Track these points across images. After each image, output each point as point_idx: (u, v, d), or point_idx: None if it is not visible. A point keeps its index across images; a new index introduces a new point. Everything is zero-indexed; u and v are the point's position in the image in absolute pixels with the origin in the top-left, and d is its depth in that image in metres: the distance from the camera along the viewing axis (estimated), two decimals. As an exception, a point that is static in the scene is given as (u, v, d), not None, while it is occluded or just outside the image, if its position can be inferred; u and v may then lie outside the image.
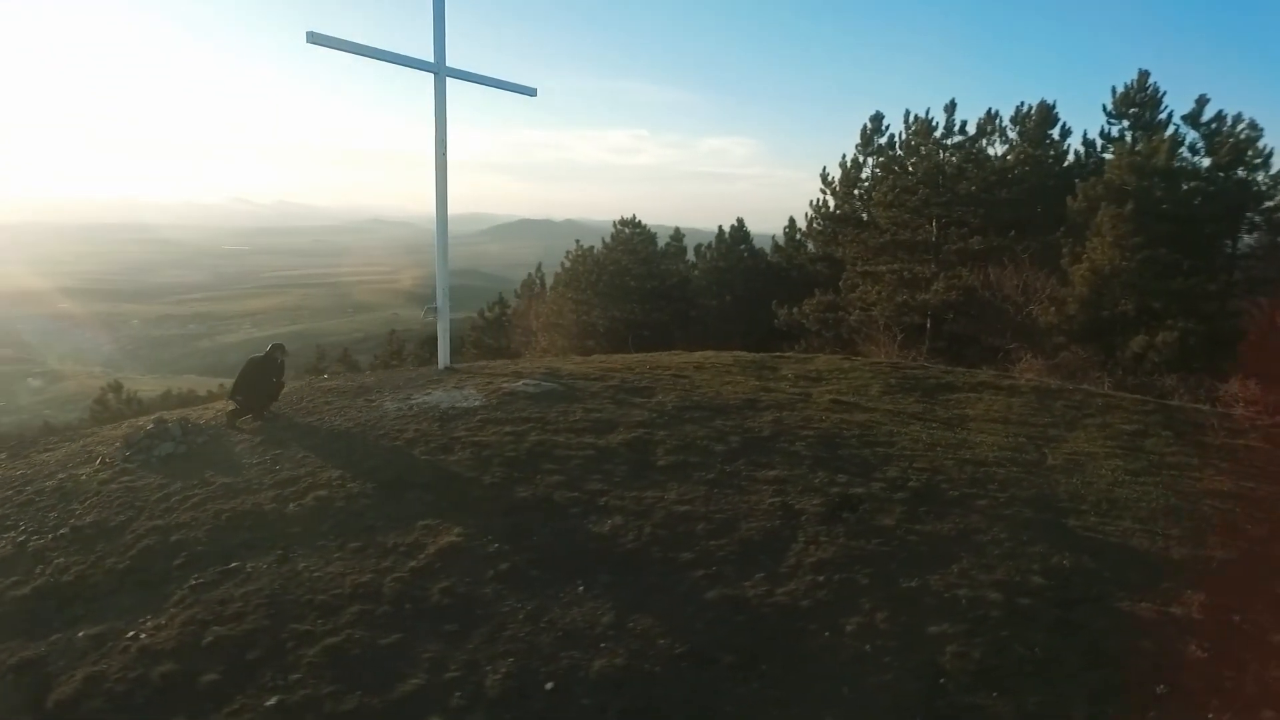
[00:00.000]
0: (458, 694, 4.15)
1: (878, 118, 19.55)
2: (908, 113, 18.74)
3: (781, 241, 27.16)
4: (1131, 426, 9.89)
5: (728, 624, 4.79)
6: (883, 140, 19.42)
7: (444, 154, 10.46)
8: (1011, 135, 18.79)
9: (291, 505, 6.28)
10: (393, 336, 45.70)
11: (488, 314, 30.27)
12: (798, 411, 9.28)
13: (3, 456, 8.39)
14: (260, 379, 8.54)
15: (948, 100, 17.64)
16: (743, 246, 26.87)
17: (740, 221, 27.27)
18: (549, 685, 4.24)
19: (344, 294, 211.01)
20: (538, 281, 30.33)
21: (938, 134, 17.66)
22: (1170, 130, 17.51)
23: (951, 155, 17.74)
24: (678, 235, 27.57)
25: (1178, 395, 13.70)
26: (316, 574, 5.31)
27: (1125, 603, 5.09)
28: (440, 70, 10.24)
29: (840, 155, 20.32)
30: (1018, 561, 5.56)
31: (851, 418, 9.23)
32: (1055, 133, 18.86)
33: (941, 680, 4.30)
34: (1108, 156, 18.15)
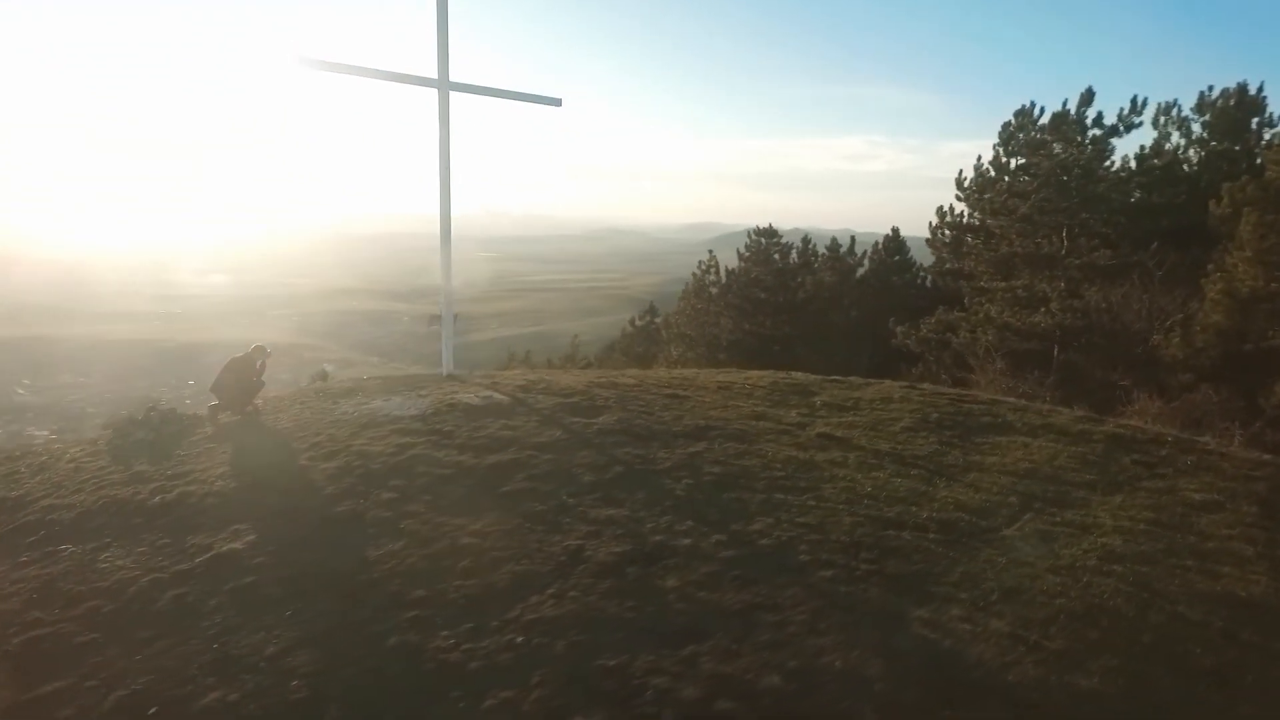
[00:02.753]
0: (84, 702, 4.22)
1: (1025, 111, 16.78)
2: (1031, 106, 15.86)
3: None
4: (1204, 496, 7.72)
5: (382, 673, 4.40)
6: (1030, 136, 16.61)
7: (448, 171, 10.74)
8: (1196, 128, 15.21)
9: (157, 498, 6.77)
10: (574, 341, 48.00)
11: (638, 322, 30.63)
12: (757, 444, 8.37)
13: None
14: (240, 377, 9.32)
15: (1133, 95, 14.65)
16: (897, 258, 24.73)
17: (895, 231, 25.13)
18: (152, 710, 4.17)
19: (578, 299, 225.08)
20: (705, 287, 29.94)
21: (1082, 127, 14.69)
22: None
23: (1084, 151, 14.65)
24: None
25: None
26: (103, 566, 5.68)
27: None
28: (444, 85, 10.54)
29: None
30: (779, 658, 4.52)
31: (815, 456, 8.14)
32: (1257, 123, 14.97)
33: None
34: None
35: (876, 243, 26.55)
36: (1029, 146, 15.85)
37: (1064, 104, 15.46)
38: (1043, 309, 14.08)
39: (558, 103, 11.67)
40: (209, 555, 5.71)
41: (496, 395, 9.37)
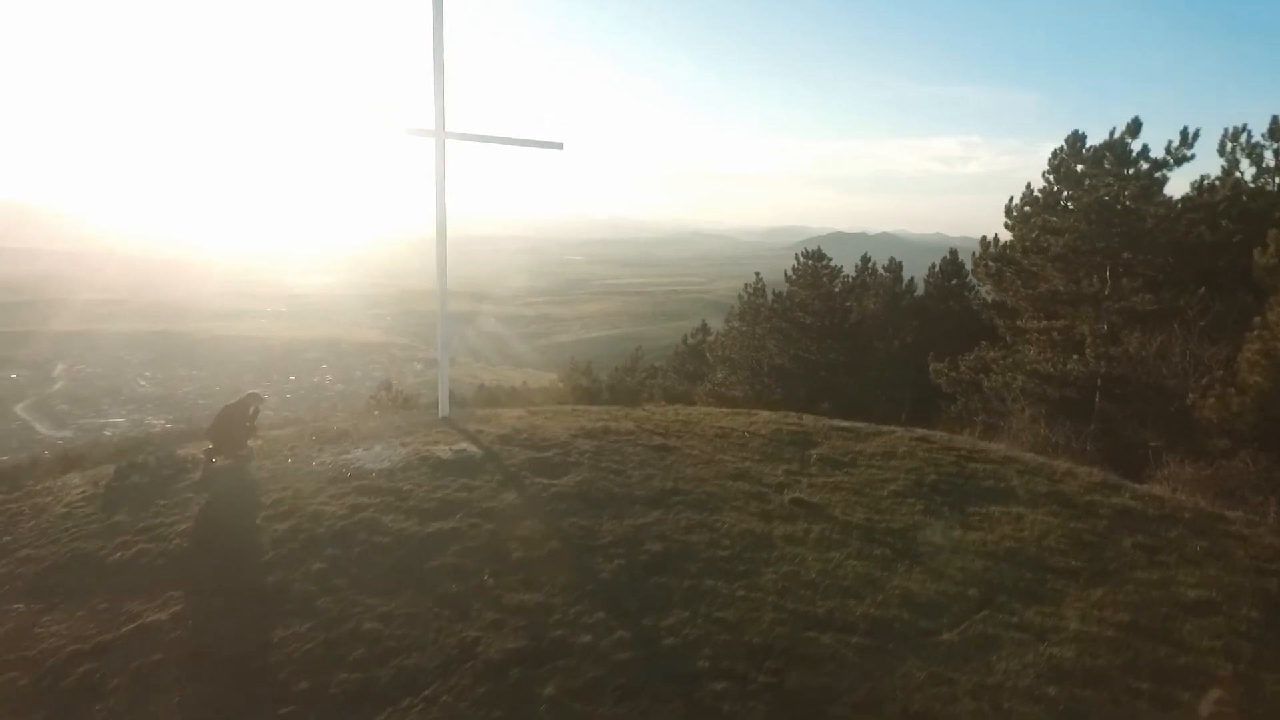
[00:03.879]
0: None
1: (1078, 138, 15.58)
2: (1076, 138, 14.54)
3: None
4: (1200, 594, 7.04)
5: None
6: (1080, 166, 15.33)
7: (444, 220, 10.92)
8: (1269, 155, 13.67)
9: (118, 554, 7.13)
10: (636, 351, 48.07)
11: (690, 340, 30.40)
12: (718, 513, 8.14)
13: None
14: (234, 424, 9.72)
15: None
16: (954, 281, 23.65)
17: (954, 253, 24.05)
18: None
19: (660, 303, 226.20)
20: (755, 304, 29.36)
21: (1128, 159, 13.40)
22: None
23: (1129, 185, 13.35)
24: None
25: None
26: (40, 631, 6.00)
27: None
28: (440, 135, 10.71)
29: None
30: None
31: (774, 530, 7.85)
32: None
33: None
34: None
35: (933, 265, 25.44)
36: (1068, 179, 14.69)
37: (1111, 132, 14.31)
38: (1075, 356, 13.03)
39: (560, 146, 11.70)
40: (134, 626, 5.95)
41: (471, 449, 9.43)
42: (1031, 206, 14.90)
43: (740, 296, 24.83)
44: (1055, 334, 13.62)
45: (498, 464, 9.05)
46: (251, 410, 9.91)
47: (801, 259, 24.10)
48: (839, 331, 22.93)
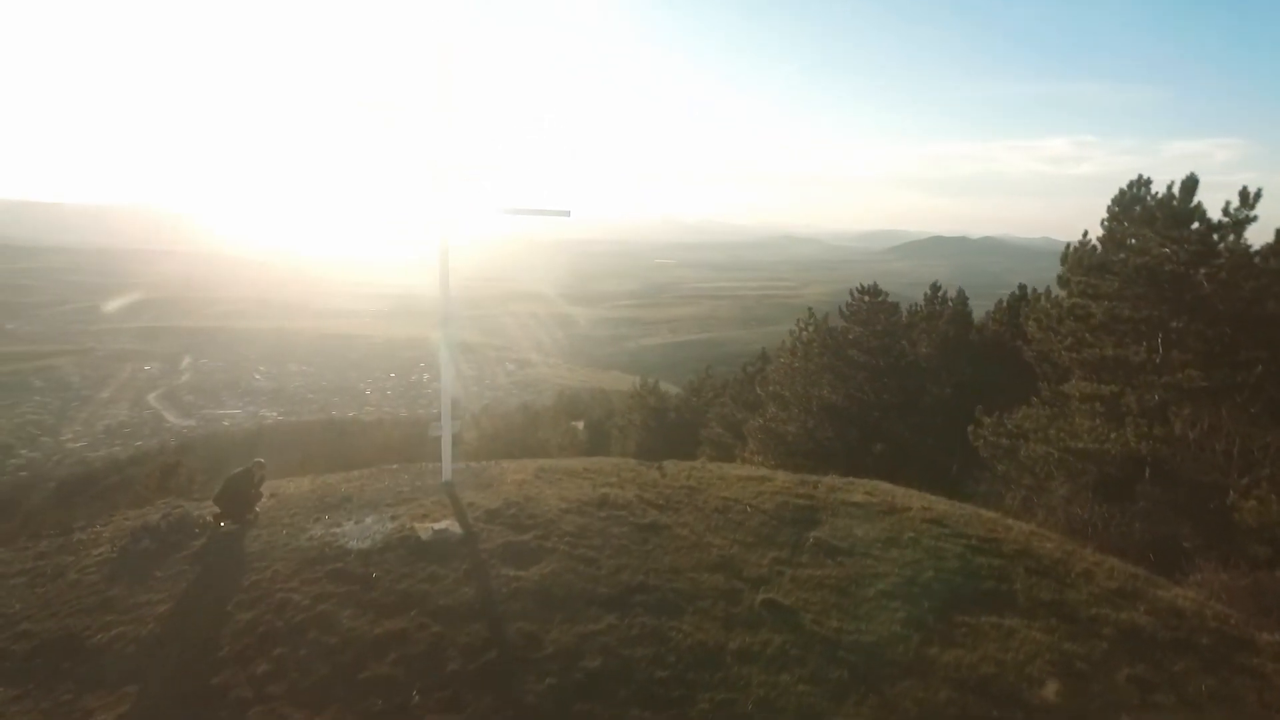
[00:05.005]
0: None
1: (1141, 183, 14.22)
2: (1138, 183, 13.13)
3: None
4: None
5: None
6: (1127, 224, 13.86)
7: (448, 296, 11.13)
8: None
9: (98, 636, 7.60)
10: (707, 370, 47.80)
11: (749, 368, 29.94)
12: (678, 618, 7.98)
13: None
14: (240, 491, 10.22)
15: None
16: (1022, 316, 22.32)
17: (1021, 289, 22.75)
18: None
19: (749, 307, 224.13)
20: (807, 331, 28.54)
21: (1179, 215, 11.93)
22: None
23: (1185, 247, 11.89)
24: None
25: None
26: (4, 722, 6.47)
27: None
28: (444, 211, 10.94)
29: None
30: None
31: (729, 644, 7.65)
32: None
33: None
34: None
35: (1000, 300, 24.07)
36: (1113, 241, 13.39)
37: (1169, 186, 12.96)
38: (1114, 433, 11.89)
39: (567, 214, 11.75)
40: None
41: (453, 529, 9.56)
42: (1087, 259, 13.74)
43: (792, 331, 24.24)
44: (1099, 404, 12.48)
45: (472, 549, 9.14)
46: (256, 478, 10.39)
47: (856, 294, 23.27)
48: (894, 370, 22.06)
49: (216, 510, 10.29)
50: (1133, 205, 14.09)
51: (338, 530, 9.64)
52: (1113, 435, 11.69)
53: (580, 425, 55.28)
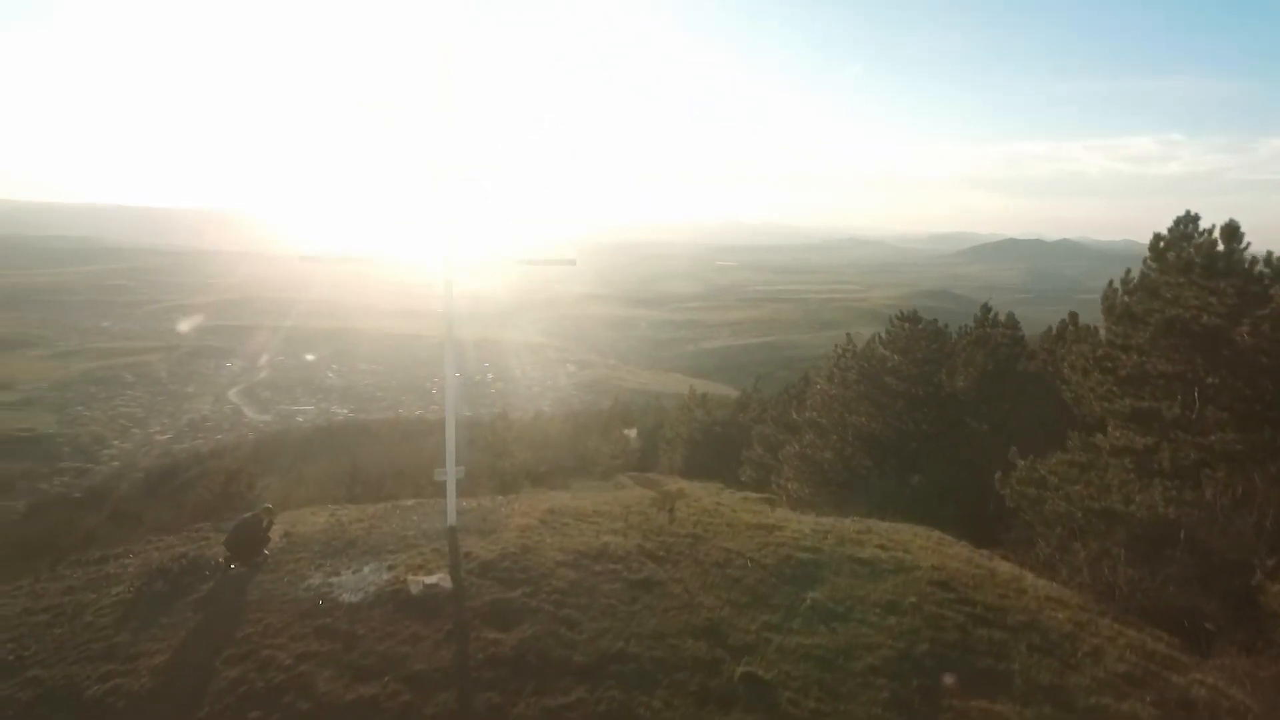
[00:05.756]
0: None
1: (1189, 219, 13.28)
2: (1186, 219, 12.10)
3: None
4: None
5: None
6: (1176, 257, 12.85)
7: (452, 344, 11.30)
8: None
9: (95, 688, 7.99)
10: (756, 383, 47.28)
11: (791, 390, 29.50)
12: (649, 694, 7.92)
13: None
14: (249, 535, 10.60)
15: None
16: (1059, 356, 21.36)
17: (1073, 316, 21.76)
18: None
19: (813, 310, 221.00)
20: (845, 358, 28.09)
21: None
22: None
23: (1223, 299, 10.93)
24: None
25: None
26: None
27: None
28: (447, 269, 11.13)
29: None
30: None
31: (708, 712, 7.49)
32: None
33: None
34: None
35: (1050, 327, 23.04)
36: (1145, 288, 12.48)
37: (1210, 229, 12.04)
38: (1139, 496, 11.11)
39: (572, 263, 11.83)
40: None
41: (443, 584, 9.67)
42: (1118, 307, 12.92)
43: (829, 357, 23.76)
44: (1129, 460, 11.72)
45: (458, 606, 9.25)
46: (265, 523, 10.76)
47: (897, 320, 22.65)
48: (933, 400, 21.41)
49: (226, 554, 10.70)
50: (1171, 249, 13.28)
51: (335, 580, 9.90)
52: (1137, 498, 11.04)
53: (633, 433, 55.23)
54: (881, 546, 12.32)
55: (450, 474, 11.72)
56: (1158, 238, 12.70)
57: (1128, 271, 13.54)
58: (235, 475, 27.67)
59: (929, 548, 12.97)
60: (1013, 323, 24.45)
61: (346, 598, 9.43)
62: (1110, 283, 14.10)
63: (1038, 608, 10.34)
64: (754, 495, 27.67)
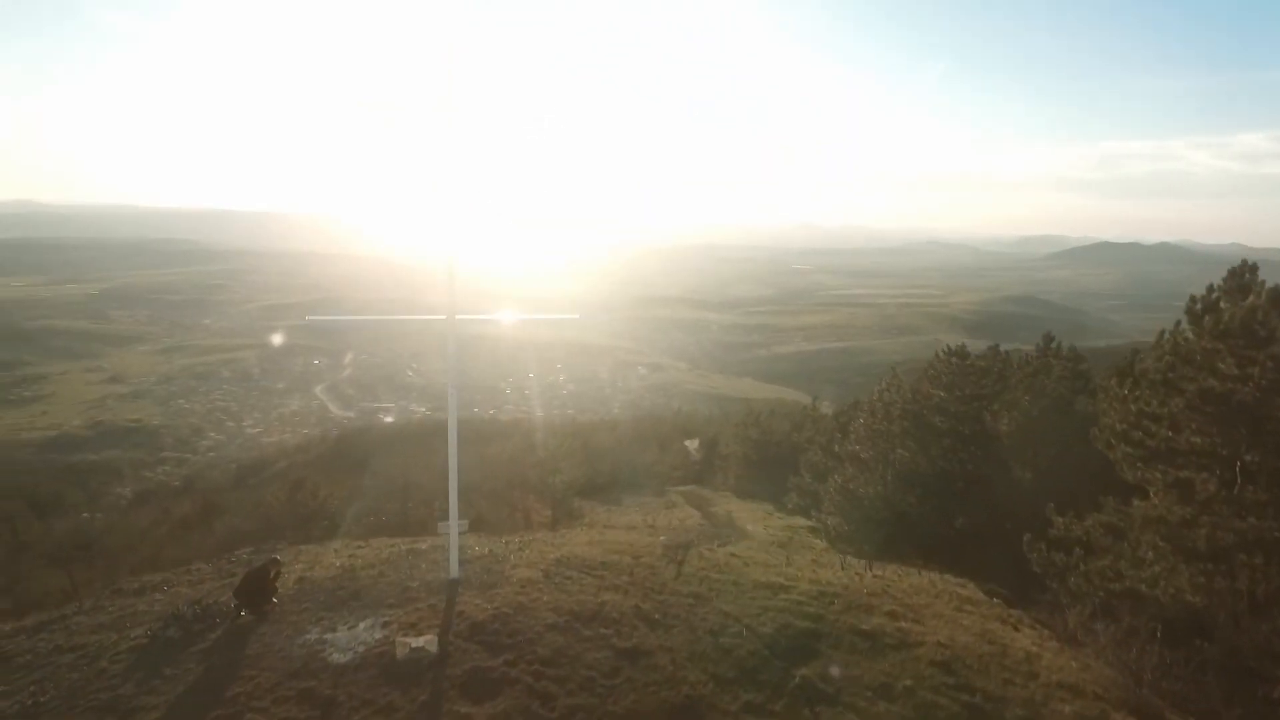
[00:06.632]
0: None
1: (1245, 269, 12.13)
2: (1244, 268, 10.86)
3: None
4: None
5: None
6: (1213, 321, 11.60)
7: (455, 398, 11.48)
8: None
9: (93, 742, 8.46)
10: (814, 403, 46.41)
11: (840, 419, 28.81)
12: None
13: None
14: (257, 586, 11.04)
15: None
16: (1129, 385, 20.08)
17: (1133, 356, 20.44)
18: None
19: (890, 315, 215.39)
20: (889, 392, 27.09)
21: None
22: None
23: (1262, 370, 9.76)
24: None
25: None
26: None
27: None
28: (450, 318, 11.30)
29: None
30: None
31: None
32: None
33: None
34: None
35: (1114, 366, 21.66)
36: (1178, 354, 11.41)
37: (1260, 289, 10.94)
38: (1164, 580, 10.17)
39: (575, 317, 11.85)
40: None
41: (428, 648, 9.82)
42: (1150, 373, 11.95)
43: (873, 391, 23.07)
44: (1161, 536, 10.75)
45: (438, 674, 9.39)
46: (273, 574, 11.18)
47: (943, 354, 21.83)
48: (979, 439, 20.52)
49: (235, 603, 11.16)
50: (1210, 312, 12.25)
51: (329, 637, 10.20)
52: (1161, 582, 10.23)
53: (694, 444, 54.92)
54: (891, 614, 11.91)
55: (453, 527, 11.91)
56: (1193, 300, 11.78)
57: (1162, 333, 12.63)
58: (300, 484, 28.97)
59: (945, 615, 12.47)
60: (1075, 355, 23.18)
61: (336, 658, 9.70)
62: (1161, 332, 13.12)
63: (1044, 698, 9.78)
64: (800, 523, 27.18)
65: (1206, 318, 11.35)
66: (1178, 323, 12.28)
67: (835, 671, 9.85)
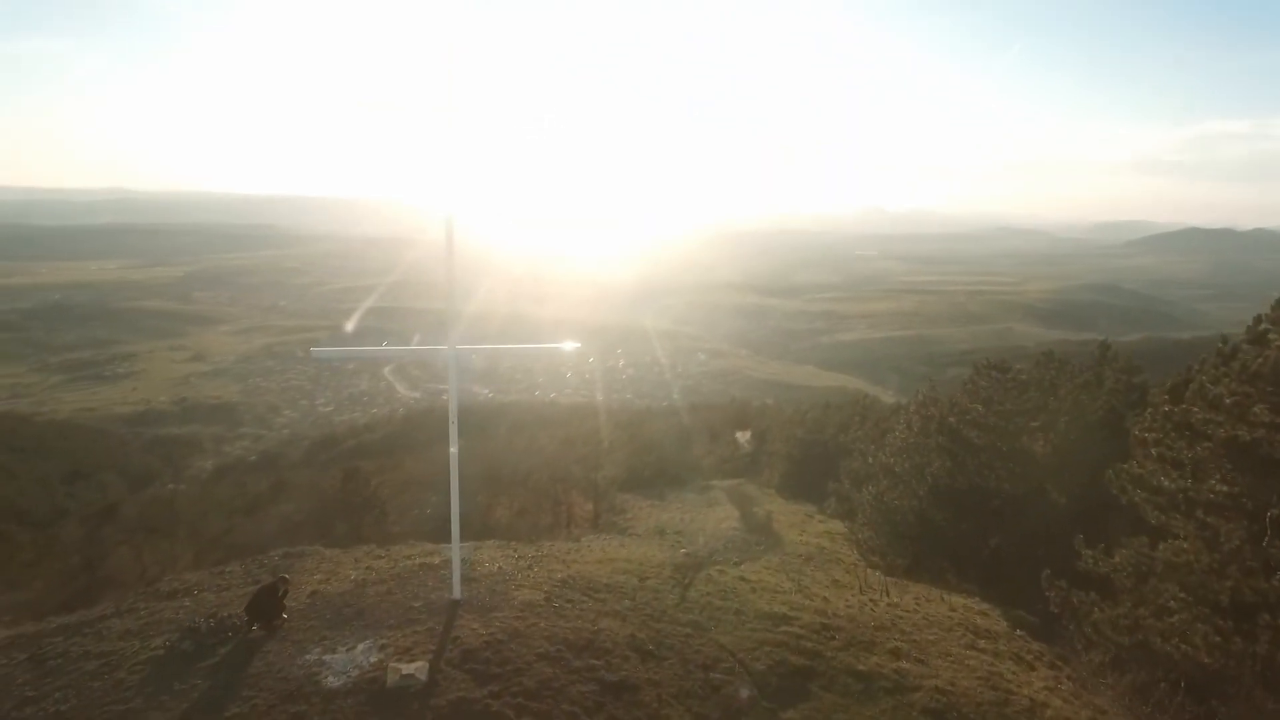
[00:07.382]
0: None
1: None
2: None
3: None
4: None
5: None
6: (1242, 365, 10.69)
7: (455, 426, 11.66)
8: None
9: (98, 757, 8.99)
10: (864, 408, 45.38)
11: (881, 424, 28.18)
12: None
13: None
14: (266, 604, 11.50)
15: None
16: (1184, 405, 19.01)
17: (1201, 364, 19.33)
18: None
19: (959, 303, 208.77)
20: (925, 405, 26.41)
21: None
22: None
23: None
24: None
25: None
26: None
27: None
28: (452, 350, 11.48)
29: None
30: None
31: None
32: None
33: None
34: None
35: (1171, 378, 20.45)
36: (1204, 399, 10.60)
37: None
38: (1177, 637, 9.51)
39: (565, 347, 11.93)
40: None
41: (418, 677, 10.06)
42: (1174, 416, 11.20)
43: (911, 401, 22.46)
44: (1180, 585, 10.11)
45: (424, 704, 9.61)
46: (280, 592, 11.62)
47: (982, 368, 21.05)
48: (1017, 456, 19.76)
49: (245, 618, 11.64)
50: (1239, 355, 11.46)
51: (328, 658, 10.54)
52: (1176, 639, 9.66)
53: (746, 436, 54.44)
54: (893, 652, 11.64)
55: (455, 550, 12.14)
56: (1223, 338, 11.04)
57: (1188, 368, 11.88)
58: (354, 473, 30.02)
59: (952, 653, 12.12)
60: (1131, 367, 22.05)
61: (330, 681, 10.03)
62: (1200, 368, 12.37)
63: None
64: (839, 529, 26.76)
65: (1235, 361, 10.65)
66: (1202, 359, 11.58)
67: None
